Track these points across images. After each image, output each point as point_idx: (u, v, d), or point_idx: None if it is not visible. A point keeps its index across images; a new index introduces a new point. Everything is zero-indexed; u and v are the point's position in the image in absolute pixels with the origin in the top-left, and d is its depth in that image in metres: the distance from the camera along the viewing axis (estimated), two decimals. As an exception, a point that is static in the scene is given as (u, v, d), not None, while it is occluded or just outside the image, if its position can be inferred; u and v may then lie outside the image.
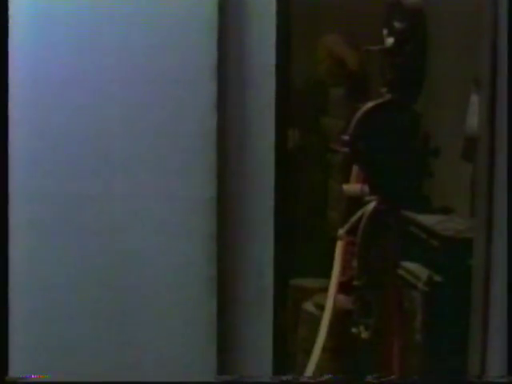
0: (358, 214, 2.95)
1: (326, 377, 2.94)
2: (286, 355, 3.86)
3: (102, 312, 2.71)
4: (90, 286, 2.72)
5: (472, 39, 2.69)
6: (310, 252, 4.04)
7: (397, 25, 2.93)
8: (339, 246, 3.22)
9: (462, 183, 2.99)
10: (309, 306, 3.71)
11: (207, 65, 2.63)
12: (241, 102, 2.66)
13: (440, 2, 3.11)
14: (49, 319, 2.74)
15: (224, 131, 2.64)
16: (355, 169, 3.16)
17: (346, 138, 2.91)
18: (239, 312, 2.69)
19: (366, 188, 2.97)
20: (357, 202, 3.01)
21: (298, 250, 4.10)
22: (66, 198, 2.72)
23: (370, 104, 2.94)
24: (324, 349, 3.27)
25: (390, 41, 2.94)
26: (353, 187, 3.09)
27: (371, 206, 2.92)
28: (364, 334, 2.99)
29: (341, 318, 3.22)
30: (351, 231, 3.02)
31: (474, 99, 2.93)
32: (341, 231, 3.10)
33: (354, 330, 3.03)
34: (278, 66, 2.62)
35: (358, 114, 2.92)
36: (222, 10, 2.62)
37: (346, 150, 2.93)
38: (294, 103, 4.36)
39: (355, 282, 3.00)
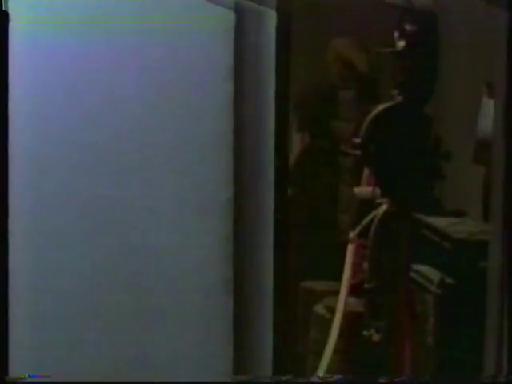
0: (370, 216, 2.95)
1: (335, 377, 2.94)
2: (298, 357, 3.87)
3: (118, 312, 2.72)
4: (106, 286, 2.73)
5: (483, 41, 2.70)
6: (321, 255, 4.04)
7: (408, 27, 2.93)
8: (350, 249, 3.22)
9: (474, 186, 2.99)
10: (319, 309, 3.70)
11: (224, 66, 2.64)
12: (258, 102, 2.66)
13: (451, 4, 3.10)
14: (64, 319, 2.75)
15: (240, 132, 2.65)
16: (366, 171, 3.16)
17: (358, 140, 2.91)
18: (255, 313, 2.70)
19: (378, 191, 2.97)
20: (368, 204, 3.01)
21: (308, 253, 4.11)
22: (82, 199, 2.73)
23: (381, 106, 2.95)
24: (335, 351, 3.27)
25: (401, 43, 2.94)
26: (364, 190, 3.09)
27: (382, 208, 2.92)
28: (375, 337, 2.99)
29: (352, 321, 3.22)
30: (362, 234, 3.02)
31: (486, 102, 2.93)
32: (352, 234, 3.10)
33: (365, 332, 3.02)
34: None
35: (370, 117, 2.93)
36: (239, 11, 2.63)
37: (357, 152, 2.93)
38: (305, 106, 4.39)
39: (366, 285, 2.99)
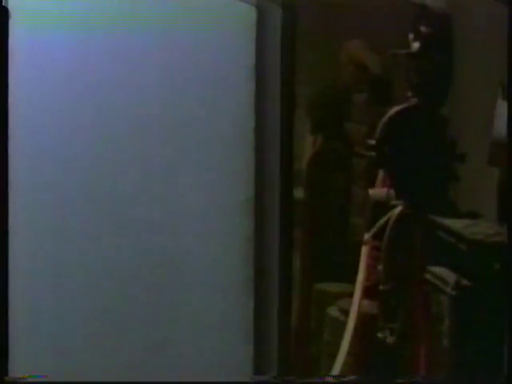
0: (384, 218, 2.95)
1: (350, 377, 2.94)
2: (311, 358, 3.87)
3: (137, 311, 2.73)
4: (125, 286, 2.74)
5: (499, 42, 2.69)
6: (334, 257, 4.04)
7: (423, 29, 2.93)
8: (364, 251, 3.22)
9: (489, 188, 2.98)
10: (333, 311, 3.70)
11: (246, 64, 2.65)
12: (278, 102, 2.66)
13: (466, 5, 3.10)
14: (80, 319, 2.76)
15: (262, 131, 2.65)
16: (381, 173, 3.16)
17: (373, 142, 2.91)
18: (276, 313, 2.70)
19: (392, 192, 2.97)
20: (383, 206, 3.00)
21: (322, 255, 4.11)
22: (105, 197, 2.74)
23: (396, 108, 2.94)
24: (349, 353, 3.26)
25: (415, 45, 2.94)
26: (379, 192, 3.08)
27: (397, 210, 2.92)
28: (389, 339, 2.98)
29: (365, 323, 3.22)
30: (377, 236, 3.02)
31: (501, 103, 2.92)
32: (366, 236, 3.10)
33: (379, 334, 3.02)
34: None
35: (385, 119, 2.92)
36: (260, 10, 2.64)
37: (372, 154, 2.93)
38: (318, 108, 4.39)
39: (381, 287, 2.99)
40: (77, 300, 2.78)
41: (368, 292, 3.19)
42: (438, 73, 2.93)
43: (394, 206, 2.94)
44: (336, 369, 3.29)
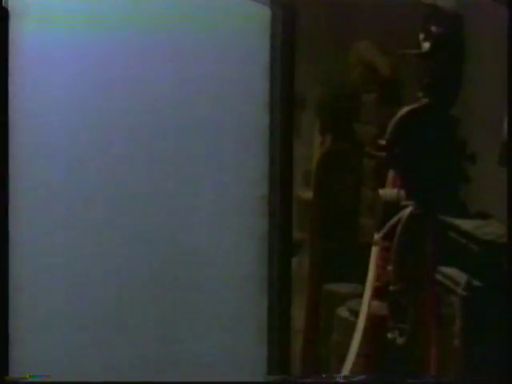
0: (395, 219, 2.94)
1: (360, 377, 2.94)
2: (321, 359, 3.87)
3: (150, 310, 2.72)
4: (138, 284, 2.74)
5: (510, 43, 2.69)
6: (343, 257, 4.04)
7: (433, 29, 2.92)
8: (374, 252, 3.21)
9: (499, 188, 2.97)
10: (342, 312, 3.70)
11: (259, 62, 2.64)
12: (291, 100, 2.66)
13: (477, 5, 3.09)
14: (92, 315, 2.76)
15: (276, 129, 2.65)
16: (391, 174, 3.15)
17: (383, 142, 2.90)
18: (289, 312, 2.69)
19: (403, 193, 2.97)
20: (393, 206, 3.00)
21: (331, 256, 4.10)
22: (117, 195, 2.73)
23: (406, 108, 2.94)
24: (358, 354, 3.26)
25: (426, 45, 2.94)
26: (389, 192, 3.08)
27: (408, 210, 2.91)
28: (399, 340, 2.97)
29: (375, 324, 3.21)
30: (387, 236, 3.01)
31: (512, 104, 2.91)
32: (376, 236, 3.09)
33: (389, 335, 3.01)
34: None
35: (395, 119, 2.92)
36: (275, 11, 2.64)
37: (382, 154, 2.92)
38: (327, 109, 4.38)
39: (391, 288, 2.98)
40: (84, 298, 2.78)
41: (378, 293, 3.19)
42: (449, 73, 2.92)
43: (405, 207, 2.93)
44: (345, 370, 3.28)
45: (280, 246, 2.88)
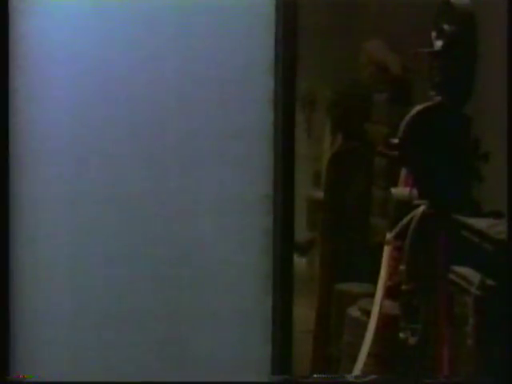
0: (407, 218, 2.92)
1: (371, 377, 2.92)
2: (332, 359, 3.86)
3: (153, 308, 2.71)
4: (141, 281, 2.72)
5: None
6: (355, 257, 4.02)
7: (446, 27, 2.90)
8: (386, 251, 3.20)
9: (512, 187, 2.95)
10: (354, 311, 3.69)
11: (264, 61, 2.63)
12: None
13: (490, 2, 3.07)
14: (94, 314, 2.74)
15: (278, 127, 2.63)
16: (403, 172, 3.14)
17: (395, 140, 2.89)
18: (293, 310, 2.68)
19: (415, 192, 2.95)
20: (405, 206, 2.98)
21: (342, 255, 4.09)
22: (121, 192, 2.72)
23: (419, 107, 2.92)
24: (369, 354, 3.24)
25: (438, 43, 2.92)
26: (401, 191, 3.06)
27: (420, 210, 2.89)
28: (411, 340, 2.96)
29: (387, 324, 3.20)
30: (399, 236, 2.99)
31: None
32: (388, 236, 3.07)
33: (401, 335, 2.99)
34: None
35: (407, 117, 2.90)
36: (279, 7, 2.63)
37: (394, 153, 2.91)
38: (337, 108, 4.37)
39: (403, 287, 2.96)
40: (86, 297, 2.77)
41: (390, 292, 3.18)
42: (462, 71, 2.90)
43: (417, 206, 2.91)
44: (357, 370, 3.27)
45: (282, 244, 2.86)
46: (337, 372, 3.66)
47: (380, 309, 3.21)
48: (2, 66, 2.69)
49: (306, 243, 4.98)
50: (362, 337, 3.30)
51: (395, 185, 3.23)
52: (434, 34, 2.95)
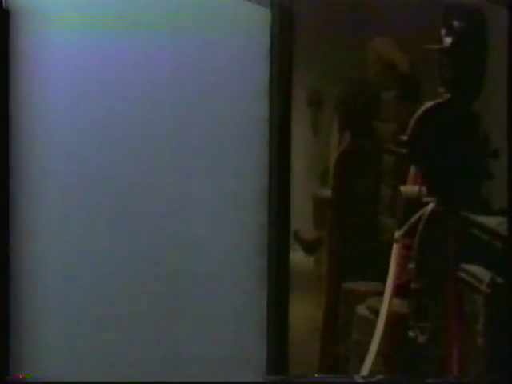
0: (416, 216, 2.91)
1: (379, 377, 2.91)
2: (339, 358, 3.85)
3: (150, 305, 2.69)
4: (137, 279, 2.71)
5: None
6: (363, 256, 4.01)
7: (456, 24, 2.89)
8: (395, 249, 3.18)
9: (522, 185, 2.93)
10: (362, 310, 3.67)
11: (259, 54, 2.63)
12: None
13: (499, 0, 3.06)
14: (92, 313, 2.73)
15: (274, 123, 2.62)
16: (413, 170, 3.12)
17: (405, 138, 2.87)
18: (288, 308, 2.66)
19: (424, 189, 2.93)
20: (414, 203, 2.96)
21: (350, 254, 4.08)
22: (118, 189, 2.71)
23: (428, 104, 2.90)
24: (378, 353, 3.23)
25: (448, 40, 2.90)
26: (410, 189, 3.05)
27: (430, 207, 2.88)
28: (421, 339, 2.94)
29: (396, 322, 3.18)
30: (408, 234, 2.98)
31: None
32: (397, 234, 3.05)
33: (410, 333, 2.98)
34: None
35: (417, 115, 2.88)
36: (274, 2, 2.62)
37: (403, 150, 2.89)
38: (345, 107, 4.36)
39: (412, 285, 2.95)
40: (84, 294, 2.76)
41: (399, 290, 3.16)
42: (471, 68, 2.89)
43: (426, 204, 2.90)
44: (365, 368, 3.25)
45: (278, 240, 2.84)
46: (345, 371, 3.65)
47: (389, 307, 3.20)
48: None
49: (314, 242, 4.97)
50: (371, 335, 3.28)
51: (404, 183, 3.21)
52: (443, 31, 2.93)
